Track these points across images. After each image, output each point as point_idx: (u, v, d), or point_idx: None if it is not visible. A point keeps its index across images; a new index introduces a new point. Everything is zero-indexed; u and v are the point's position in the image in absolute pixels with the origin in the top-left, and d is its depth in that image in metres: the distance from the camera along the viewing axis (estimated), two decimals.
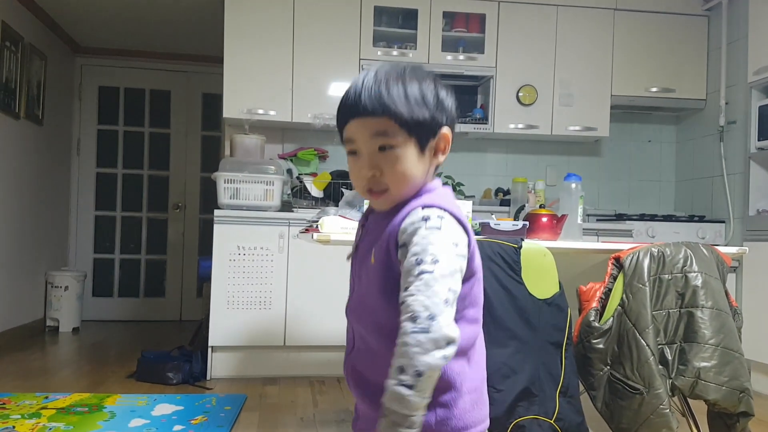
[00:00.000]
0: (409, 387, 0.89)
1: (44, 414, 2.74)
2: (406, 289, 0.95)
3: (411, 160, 1.05)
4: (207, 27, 4.89)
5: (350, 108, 1.06)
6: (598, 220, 4.29)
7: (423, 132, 1.06)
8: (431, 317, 0.91)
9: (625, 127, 4.68)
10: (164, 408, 2.90)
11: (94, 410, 2.82)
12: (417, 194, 1.08)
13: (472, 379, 1.07)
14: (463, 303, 1.04)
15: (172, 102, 5.89)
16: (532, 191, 3.35)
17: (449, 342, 0.91)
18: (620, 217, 4.24)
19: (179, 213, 5.88)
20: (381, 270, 1.04)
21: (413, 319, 0.91)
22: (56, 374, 3.67)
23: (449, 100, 1.10)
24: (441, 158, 1.10)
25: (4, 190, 4.40)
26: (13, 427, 2.56)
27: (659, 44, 4.33)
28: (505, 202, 4.15)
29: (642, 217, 4.15)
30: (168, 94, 5.89)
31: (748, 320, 2.76)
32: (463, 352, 1.04)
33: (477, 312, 1.09)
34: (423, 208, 1.03)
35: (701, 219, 4.16)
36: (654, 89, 4.31)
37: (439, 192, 1.10)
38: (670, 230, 4.05)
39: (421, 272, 0.94)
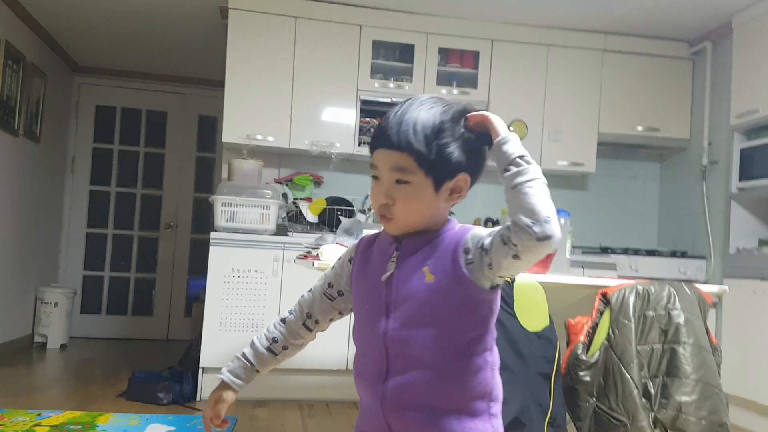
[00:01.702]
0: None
1: (38, 431, 2.77)
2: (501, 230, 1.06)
3: (424, 197, 1.11)
4: (206, 51, 4.98)
5: (378, 137, 1.12)
6: (583, 252, 4.40)
7: (441, 174, 1.10)
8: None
9: (611, 163, 4.82)
10: (156, 428, 2.94)
11: (87, 429, 2.85)
12: (444, 229, 1.15)
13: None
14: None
15: (169, 123, 5.97)
16: None
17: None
18: (605, 251, 4.35)
19: (171, 232, 5.92)
20: (446, 285, 1.10)
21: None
22: (46, 391, 3.69)
23: (479, 152, 1.14)
24: (456, 200, 1.15)
25: (0, 206, 4.44)
26: None
27: (646, 85, 4.49)
28: None
29: (626, 251, 4.26)
30: (164, 115, 5.96)
31: (727, 355, 2.86)
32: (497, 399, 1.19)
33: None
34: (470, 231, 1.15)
35: (683, 255, 4.29)
36: (640, 128, 4.46)
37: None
38: (653, 265, 4.17)
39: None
